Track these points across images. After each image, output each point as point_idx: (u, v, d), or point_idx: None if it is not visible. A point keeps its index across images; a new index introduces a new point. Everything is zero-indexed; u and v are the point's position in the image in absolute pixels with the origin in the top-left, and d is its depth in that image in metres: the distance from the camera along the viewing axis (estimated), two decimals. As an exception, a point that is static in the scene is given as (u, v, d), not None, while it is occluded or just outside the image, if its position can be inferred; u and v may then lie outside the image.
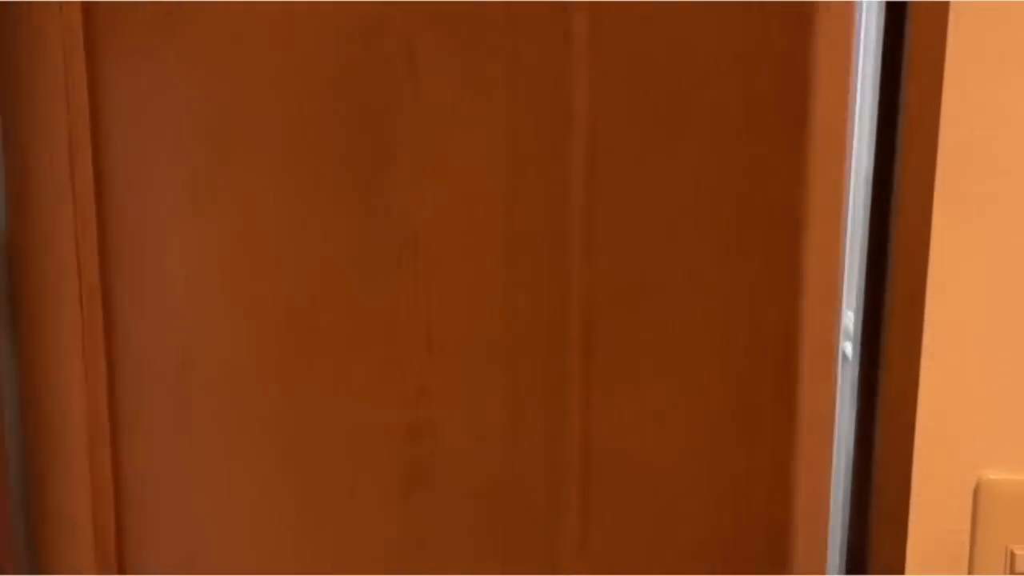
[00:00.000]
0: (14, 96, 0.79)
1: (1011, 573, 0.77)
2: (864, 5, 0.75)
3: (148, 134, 0.80)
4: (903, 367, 0.76)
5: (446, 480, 0.80)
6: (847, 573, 0.82)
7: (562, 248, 0.76)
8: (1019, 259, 0.75)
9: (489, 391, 0.78)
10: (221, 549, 0.84)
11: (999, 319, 0.76)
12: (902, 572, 0.78)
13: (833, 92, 0.73)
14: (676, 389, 0.77)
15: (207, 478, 0.83)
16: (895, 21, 0.73)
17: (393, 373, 0.78)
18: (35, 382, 0.83)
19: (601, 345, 0.77)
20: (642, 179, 0.75)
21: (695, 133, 0.74)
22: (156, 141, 0.80)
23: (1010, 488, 0.76)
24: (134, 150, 0.80)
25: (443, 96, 0.75)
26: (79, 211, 0.80)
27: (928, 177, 0.73)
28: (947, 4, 0.71)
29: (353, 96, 0.76)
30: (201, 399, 0.82)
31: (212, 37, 0.77)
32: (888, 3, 0.73)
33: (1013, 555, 0.76)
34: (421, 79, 0.75)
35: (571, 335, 0.77)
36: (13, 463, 0.85)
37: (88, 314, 0.81)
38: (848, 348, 0.81)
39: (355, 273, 0.78)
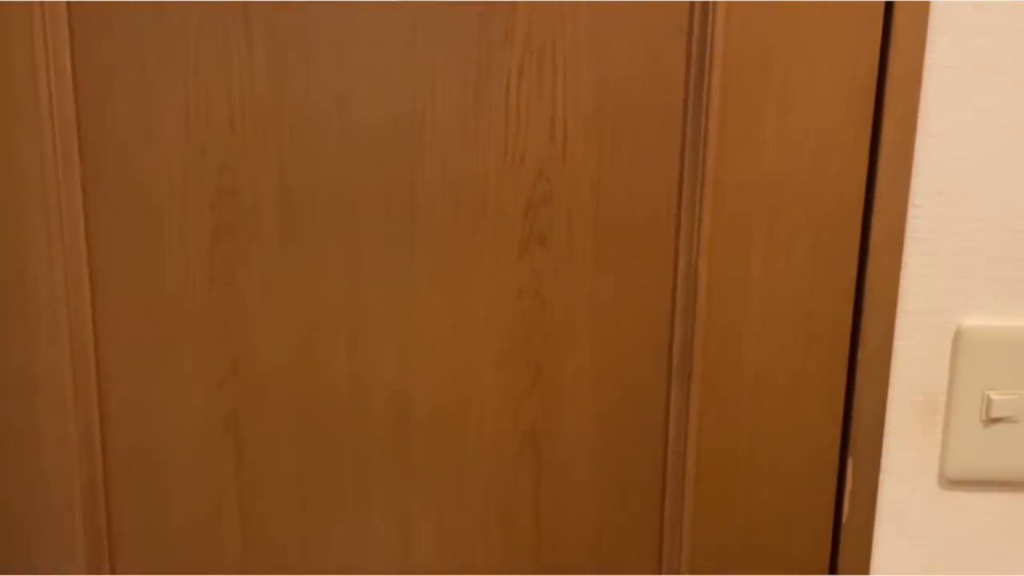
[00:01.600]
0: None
1: (987, 417, 0.79)
2: None
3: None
4: (891, 212, 0.77)
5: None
6: (829, 420, 0.84)
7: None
8: (1008, 111, 0.76)
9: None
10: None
11: (984, 168, 0.77)
12: (883, 418, 0.80)
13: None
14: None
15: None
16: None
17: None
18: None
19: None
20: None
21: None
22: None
23: (988, 334, 0.78)
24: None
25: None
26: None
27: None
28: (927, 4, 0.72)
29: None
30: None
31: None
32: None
33: (989, 400, 0.79)
34: None
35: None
36: None
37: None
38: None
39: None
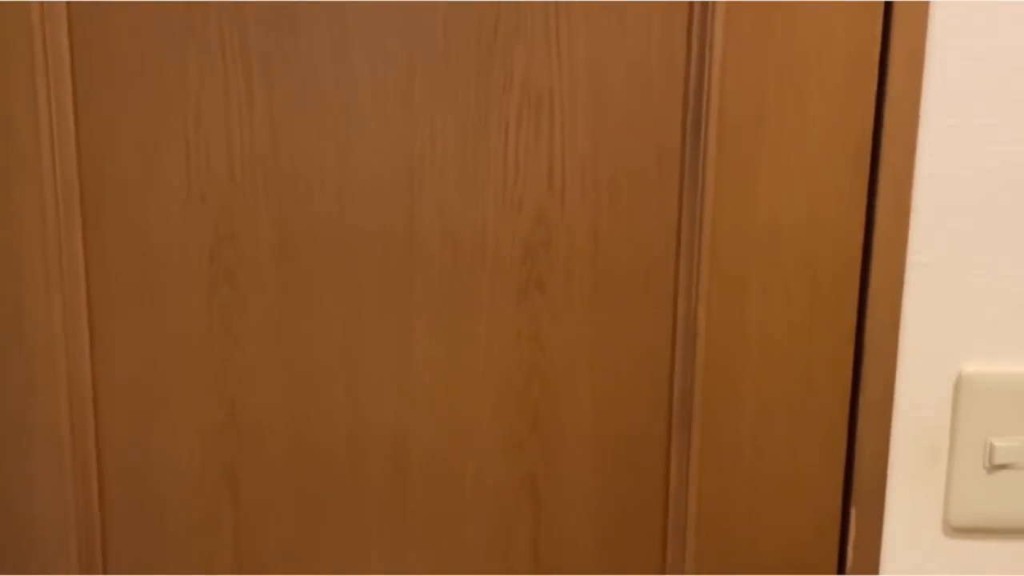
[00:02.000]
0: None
1: (990, 464, 0.79)
2: None
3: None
4: (889, 260, 0.77)
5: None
6: (830, 467, 0.83)
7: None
8: (1005, 157, 0.76)
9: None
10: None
11: (984, 214, 0.77)
12: (885, 465, 0.80)
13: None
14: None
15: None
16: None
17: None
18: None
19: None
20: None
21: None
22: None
23: (990, 381, 0.78)
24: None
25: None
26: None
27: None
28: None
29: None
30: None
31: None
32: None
33: (992, 447, 0.78)
34: None
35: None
36: None
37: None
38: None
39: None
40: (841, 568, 0.83)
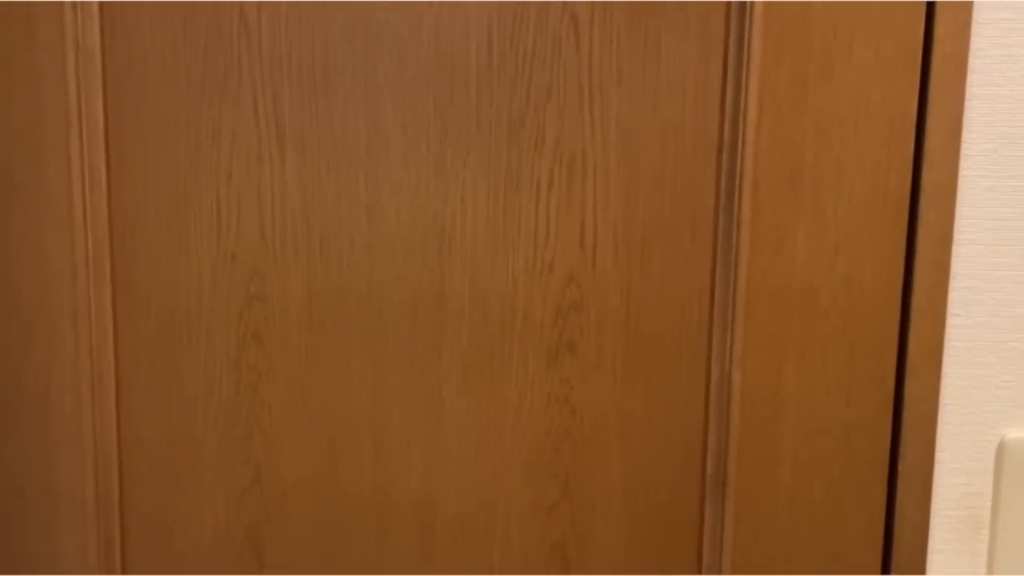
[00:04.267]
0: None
1: (1035, 534, 0.77)
2: None
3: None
4: (929, 323, 0.76)
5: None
6: (869, 536, 0.81)
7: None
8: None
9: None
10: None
11: (1021, 278, 0.76)
12: (926, 535, 0.78)
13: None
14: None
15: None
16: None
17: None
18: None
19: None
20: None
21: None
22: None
23: (1034, 448, 0.76)
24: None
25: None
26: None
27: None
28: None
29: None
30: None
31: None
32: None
33: (1037, 516, 0.76)
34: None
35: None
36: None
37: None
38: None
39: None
40: (881, 642, 0.80)
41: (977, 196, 0.74)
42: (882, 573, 0.80)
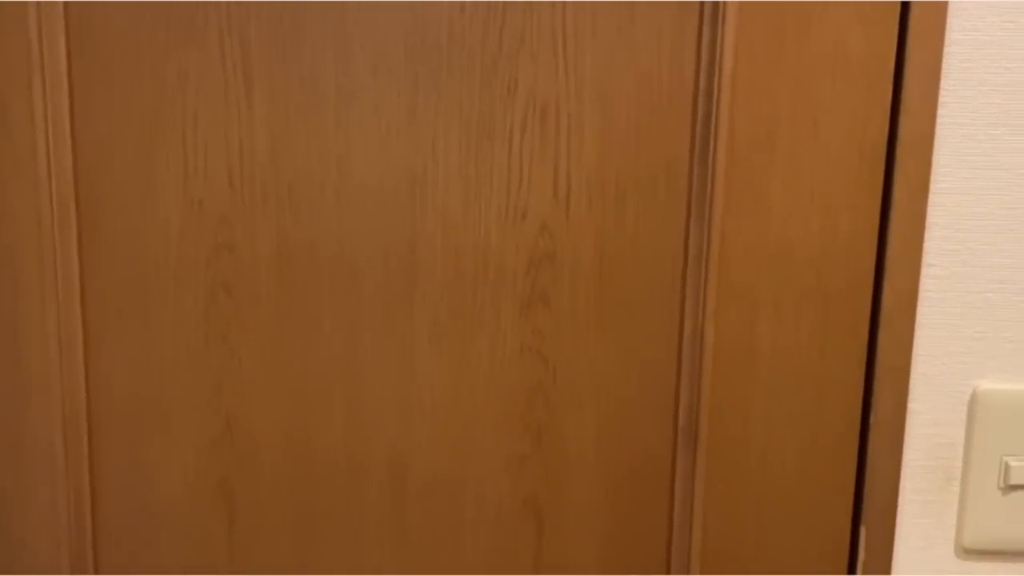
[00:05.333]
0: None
1: (1005, 484, 0.77)
2: None
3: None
4: (903, 274, 0.75)
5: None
6: (840, 488, 0.81)
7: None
8: (1020, 177, 0.75)
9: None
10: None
11: (1000, 226, 0.75)
12: (896, 485, 0.78)
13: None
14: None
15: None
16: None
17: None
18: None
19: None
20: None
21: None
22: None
23: (1006, 398, 0.76)
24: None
25: None
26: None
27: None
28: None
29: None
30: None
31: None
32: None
33: (1007, 466, 0.76)
34: None
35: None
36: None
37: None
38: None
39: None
40: (851, 591, 0.81)
41: (955, 144, 0.74)
42: (853, 524, 0.80)
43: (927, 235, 0.75)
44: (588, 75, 0.75)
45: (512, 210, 0.77)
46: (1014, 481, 0.76)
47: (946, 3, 0.71)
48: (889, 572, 0.79)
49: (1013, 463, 0.76)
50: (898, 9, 0.72)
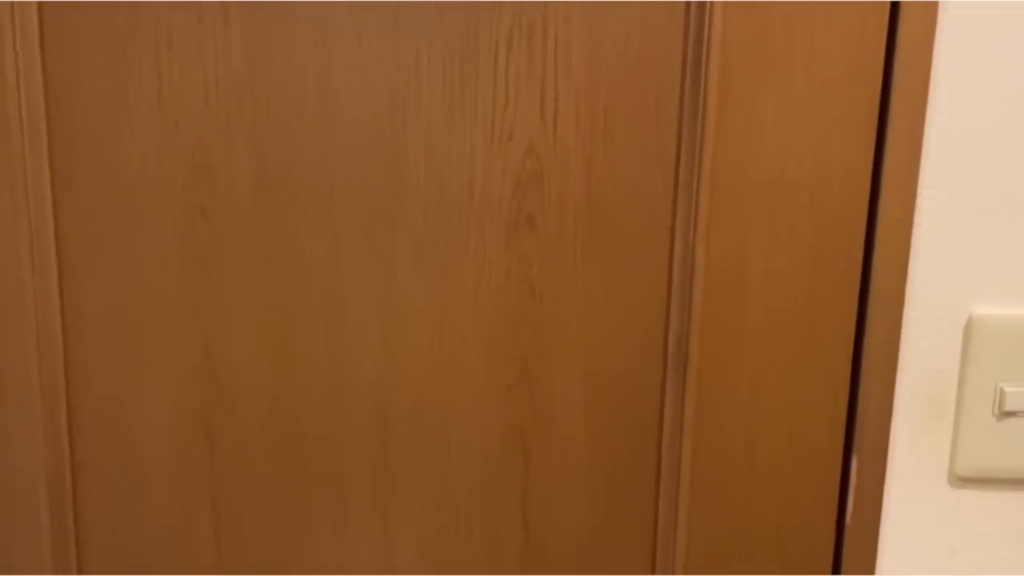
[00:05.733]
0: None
1: (1000, 411, 0.75)
2: None
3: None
4: (899, 195, 0.73)
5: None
6: (832, 416, 0.80)
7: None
8: (1019, 93, 0.72)
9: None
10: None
11: (999, 148, 0.73)
12: (889, 413, 0.76)
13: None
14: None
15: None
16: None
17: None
18: None
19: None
20: None
21: None
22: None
23: (1002, 324, 0.74)
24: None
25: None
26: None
27: None
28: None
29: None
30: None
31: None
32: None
33: (1002, 393, 0.75)
34: None
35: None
36: None
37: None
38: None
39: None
40: (841, 521, 0.79)
41: (955, 57, 0.71)
42: (845, 452, 0.78)
43: (924, 156, 0.73)
44: (576, -9, 0.73)
45: (498, 131, 0.75)
46: (1009, 408, 0.75)
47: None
48: (880, 501, 0.78)
49: (1008, 389, 0.75)
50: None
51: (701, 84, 0.73)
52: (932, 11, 0.71)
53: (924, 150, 0.73)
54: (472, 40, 0.73)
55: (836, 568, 0.80)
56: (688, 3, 0.73)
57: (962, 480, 0.78)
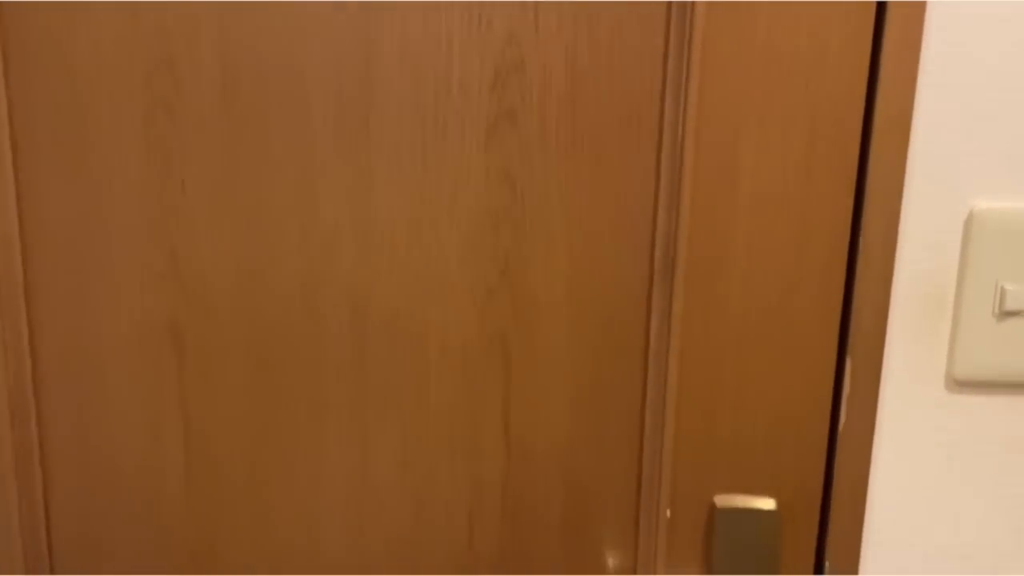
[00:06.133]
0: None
1: (1000, 310, 0.72)
2: None
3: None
4: (898, 85, 0.70)
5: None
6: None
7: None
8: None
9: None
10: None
11: (1002, 34, 0.69)
12: (885, 314, 0.73)
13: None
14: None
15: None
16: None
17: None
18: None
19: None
20: None
21: None
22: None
23: (1004, 218, 0.71)
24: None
25: None
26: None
27: None
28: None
29: None
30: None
31: None
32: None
33: (1003, 291, 0.72)
34: None
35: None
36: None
37: None
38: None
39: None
40: (834, 427, 0.77)
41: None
42: (838, 356, 0.75)
43: (924, 41, 0.69)
44: None
45: (476, 17, 0.71)
46: (1010, 307, 0.72)
47: None
48: (875, 407, 0.75)
49: (1009, 287, 0.72)
50: None
51: (691, -30, 0.69)
52: None
53: (924, 40, 0.69)
54: (448, -81, 0.69)
55: (828, 476, 0.77)
56: None
57: (960, 384, 0.75)
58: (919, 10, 0.69)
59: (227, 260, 0.76)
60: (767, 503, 0.78)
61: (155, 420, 0.79)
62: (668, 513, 0.79)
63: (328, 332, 0.78)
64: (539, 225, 0.75)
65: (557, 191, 0.74)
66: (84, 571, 0.83)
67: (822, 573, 0.79)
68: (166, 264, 0.76)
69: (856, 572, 0.78)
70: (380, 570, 0.83)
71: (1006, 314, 0.72)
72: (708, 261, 0.74)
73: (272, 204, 0.75)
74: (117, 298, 0.77)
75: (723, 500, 0.78)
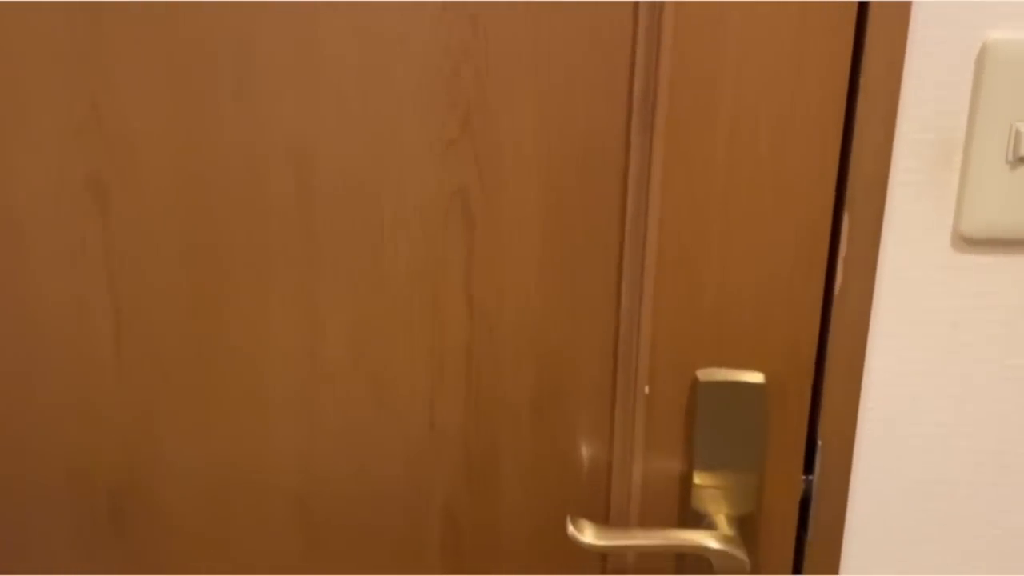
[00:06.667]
0: None
1: (1015, 156, 0.65)
2: None
3: None
4: None
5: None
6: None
7: None
8: None
9: None
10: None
11: None
12: (887, 162, 0.66)
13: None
14: None
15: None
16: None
17: None
18: None
19: None
20: None
21: None
22: None
23: (1020, 51, 0.63)
24: None
25: None
26: None
27: None
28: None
29: None
30: None
31: None
32: None
33: (1018, 133, 0.64)
34: None
35: None
36: None
37: None
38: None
39: None
40: (829, 287, 0.70)
41: None
42: (835, 210, 0.68)
43: None
44: None
45: None
46: (1025, 151, 0.65)
47: None
48: (874, 267, 0.68)
49: (1025, 129, 0.64)
50: None
51: None
52: None
53: None
54: None
55: (823, 340, 0.71)
56: None
57: (968, 242, 0.68)
58: None
59: (153, 110, 0.68)
60: (754, 376, 0.71)
61: (79, 289, 0.72)
62: (647, 389, 0.72)
63: (269, 191, 0.70)
64: (504, 66, 0.67)
65: (524, 26, 0.67)
66: (8, 450, 0.76)
67: (814, 451, 0.73)
68: (86, 115, 0.68)
69: (851, 451, 0.72)
70: (336, 457, 0.76)
71: (1020, 160, 0.65)
72: (692, 103, 0.67)
73: (203, 44, 0.67)
74: (34, 153, 0.69)
75: (706, 374, 0.72)
